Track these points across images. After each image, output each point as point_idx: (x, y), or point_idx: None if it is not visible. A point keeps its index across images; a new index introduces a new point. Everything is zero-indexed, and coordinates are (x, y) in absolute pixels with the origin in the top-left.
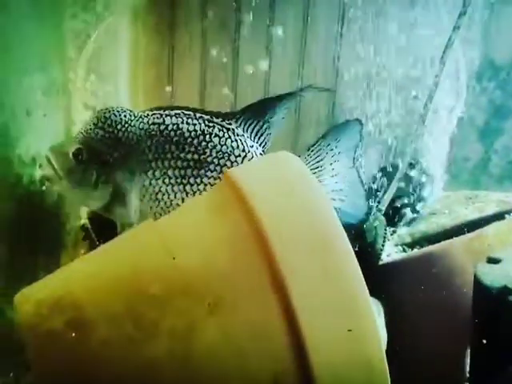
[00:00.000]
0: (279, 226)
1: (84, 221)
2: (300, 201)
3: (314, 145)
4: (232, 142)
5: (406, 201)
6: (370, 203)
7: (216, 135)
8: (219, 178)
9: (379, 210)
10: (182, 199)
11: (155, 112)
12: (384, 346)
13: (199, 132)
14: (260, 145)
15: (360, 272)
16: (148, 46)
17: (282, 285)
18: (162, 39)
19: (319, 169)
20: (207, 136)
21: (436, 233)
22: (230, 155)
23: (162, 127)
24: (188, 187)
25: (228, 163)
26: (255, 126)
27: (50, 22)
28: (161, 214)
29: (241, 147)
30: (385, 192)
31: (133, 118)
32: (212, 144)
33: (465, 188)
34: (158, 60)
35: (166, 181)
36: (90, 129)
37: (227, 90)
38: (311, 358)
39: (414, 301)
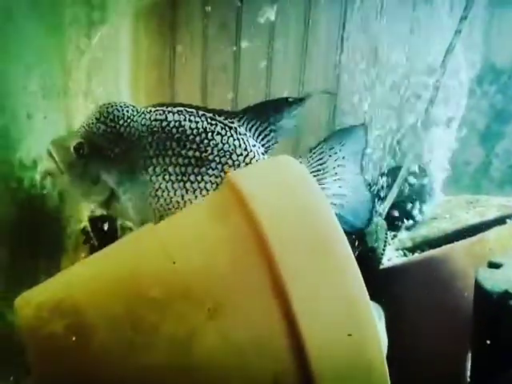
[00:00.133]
0: (279, 230)
1: (85, 224)
2: (300, 204)
3: (316, 147)
4: (234, 140)
5: (406, 205)
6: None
7: (218, 133)
8: (220, 176)
9: (380, 215)
10: (182, 196)
11: (158, 108)
12: (384, 350)
13: (201, 130)
14: (263, 145)
15: (360, 276)
16: (150, 48)
17: (282, 289)
18: (164, 41)
19: (321, 172)
20: (209, 134)
21: (437, 237)
22: (231, 154)
23: (164, 124)
24: (188, 184)
25: (230, 162)
26: (258, 126)
27: (51, 24)
28: (160, 211)
29: (243, 146)
30: (386, 196)
31: (135, 113)
32: (214, 142)
33: (466, 192)
34: (159, 61)
35: (167, 177)
36: (92, 123)
37: (228, 93)
38: (311, 362)
39: (415, 305)
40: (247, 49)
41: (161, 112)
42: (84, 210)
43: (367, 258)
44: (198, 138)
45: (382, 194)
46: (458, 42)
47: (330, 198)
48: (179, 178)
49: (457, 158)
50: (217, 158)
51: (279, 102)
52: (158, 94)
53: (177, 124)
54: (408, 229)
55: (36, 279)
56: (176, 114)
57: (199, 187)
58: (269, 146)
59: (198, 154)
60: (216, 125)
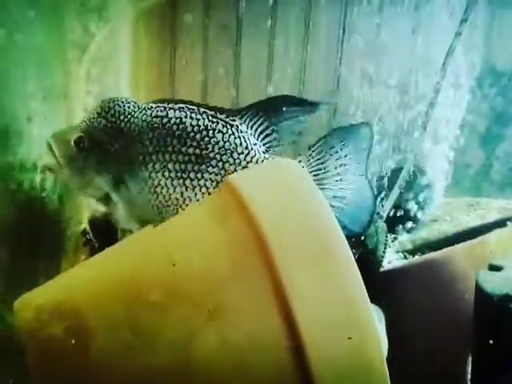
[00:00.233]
0: (280, 233)
1: (84, 226)
2: (301, 207)
3: (315, 145)
4: (235, 138)
5: (407, 207)
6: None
7: (219, 131)
8: (220, 174)
9: (380, 217)
10: (182, 193)
11: (159, 105)
12: (385, 352)
13: (202, 127)
14: (264, 144)
15: (361, 279)
16: (150, 48)
17: (282, 292)
18: (164, 41)
19: (322, 171)
20: (210, 131)
21: (437, 240)
22: (232, 152)
23: (165, 120)
24: (188, 182)
25: (231, 160)
26: (260, 125)
27: (51, 25)
28: (159, 207)
29: (244, 144)
30: (386, 199)
31: (136, 109)
32: (215, 140)
33: (466, 195)
34: (159, 61)
35: (166, 174)
36: (93, 117)
37: (229, 93)
38: (311, 365)
39: (416, 307)
40: (247, 49)
41: (162, 108)
42: (84, 212)
43: (367, 261)
44: (198, 136)
45: (382, 196)
46: (459, 44)
47: (330, 200)
48: (179, 174)
49: (457, 160)
50: (217, 156)
51: (281, 99)
52: (159, 94)
53: (178, 121)
54: (408, 231)
55: (36, 281)
56: (177, 111)
57: (199, 185)
58: (270, 146)
59: (198, 151)
60: (217, 123)
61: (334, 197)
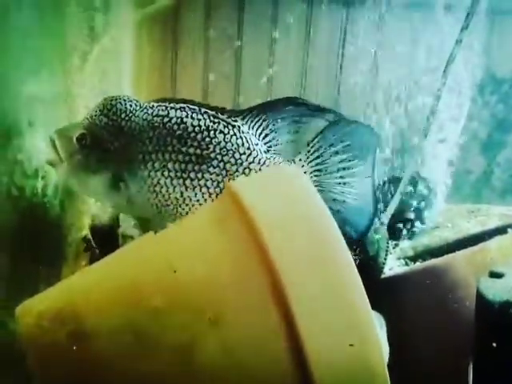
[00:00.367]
0: (280, 240)
1: (86, 232)
2: (301, 214)
3: (314, 140)
4: (237, 139)
5: (408, 214)
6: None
7: (221, 131)
8: (222, 174)
9: (381, 224)
10: (181, 193)
11: (160, 104)
12: (386, 359)
13: (203, 127)
14: (265, 144)
15: (362, 286)
16: (152, 53)
17: (283, 299)
18: (166, 46)
19: (323, 172)
20: (211, 132)
21: (438, 246)
22: (234, 152)
23: (166, 120)
24: (188, 182)
25: (232, 160)
26: (261, 125)
27: (54, 31)
28: (158, 207)
29: (246, 145)
30: (387, 205)
31: (138, 108)
32: (216, 140)
33: (467, 201)
34: (161, 66)
35: (165, 173)
36: (95, 115)
37: (230, 97)
38: (313, 373)
39: (417, 314)
40: (248, 54)
41: (163, 108)
42: (85, 218)
43: (368, 267)
44: (199, 136)
45: (383, 203)
46: (459, 51)
47: (330, 202)
48: (178, 174)
49: (458, 167)
50: (219, 156)
51: (283, 101)
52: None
53: (178, 120)
54: (409, 238)
55: (37, 287)
56: (178, 111)
57: (199, 185)
58: (271, 146)
59: (199, 151)
60: (219, 123)
61: (334, 200)
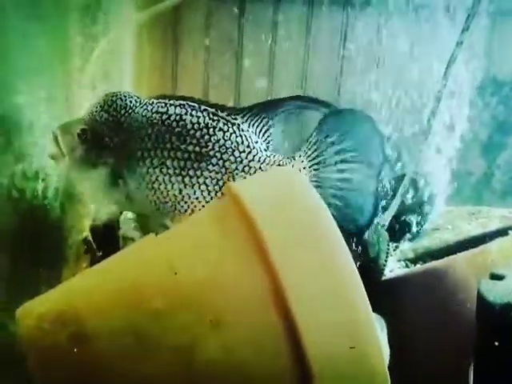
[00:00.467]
0: (281, 242)
1: (86, 234)
2: (302, 217)
3: (312, 134)
4: (237, 137)
5: (408, 216)
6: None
7: (220, 129)
8: (221, 172)
9: (382, 226)
10: (180, 190)
11: (160, 101)
12: (386, 361)
13: (202, 125)
14: (264, 141)
15: (362, 285)
16: (152, 54)
17: (284, 301)
18: (166, 47)
19: (322, 165)
20: (211, 129)
21: (439, 248)
22: (234, 150)
23: (165, 117)
24: (187, 179)
25: (232, 158)
26: (261, 123)
27: (55, 33)
28: (156, 203)
29: (245, 143)
30: (388, 207)
31: (138, 104)
32: (215, 138)
33: (467, 203)
34: (162, 67)
35: (164, 171)
36: (96, 111)
37: (230, 99)
38: (314, 374)
39: (417, 316)
40: (249, 55)
41: (163, 105)
42: (86, 220)
43: (369, 270)
44: (198, 133)
45: (383, 205)
46: (460, 53)
47: (328, 198)
48: (177, 171)
49: (459, 168)
50: (218, 154)
51: (283, 100)
52: None
53: (177, 118)
54: (410, 240)
55: (37, 289)
56: (178, 108)
57: (198, 182)
58: (269, 142)
59: (197, 148)
60: (218, 120)
61: (334, 196)
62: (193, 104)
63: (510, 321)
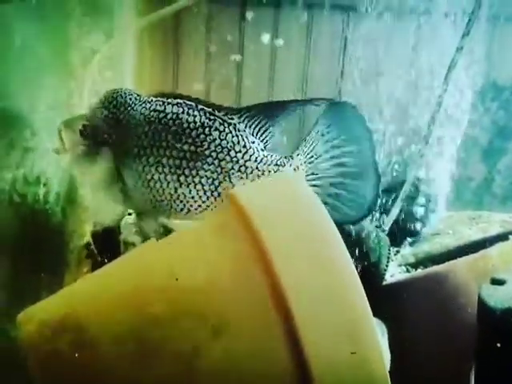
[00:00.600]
0: (282, 247)
1: (87, 239)
2: (303, 222)
3: (309, 133)
4: (233, 137)
5: (409, 220)
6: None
7: (216, 129)
8: (217, 172)
9: (383, 231)
10: (175, 189)
11: (158, 99)
12: (387, 366)
13: (198, 124)
14: (261, 141)
15: (363, 292)
16: (153, 57)
17: (285, 306)
18: (167, 51)
19: (314, 157)
20: (206, 129)
21: (440, 253)
22: (229, 150)
23: (162, 115)
24: (182, 178)
25: (227, 158)
26: (258, 124)
27: (57, 38)
28: (152, 202)
29: (242, 143)
30: (388, 212)
31: (137, 102)
32: (211, 137)
33: (468, 208)
34: (162, 70)
35: (160, 169)
36: (97, 107)
37: (231, 104)
38: (315, 380)
39: (418, 321)
40: (250, 60)
41: (160, 103)
42: (87, 225)
43: (370, 274)
44: (194, 132)
45: (384, 211)
46: (460, 58)
47: (327, 188)
48: (173, 170)
49: (459, 173)
50: (214, 154)
51: (283, 103)
52: None
53: (174, 116)
54: (411, 244)
55: (39, 294)
56: (175, 106)
57: (194, 181)
58: (267, 142)
59: (193, 148)
60: (214, 120)
61: (331, 184)
62: (190, 103)
63: (511, 325)
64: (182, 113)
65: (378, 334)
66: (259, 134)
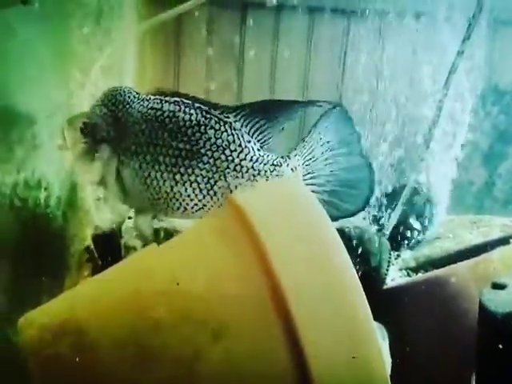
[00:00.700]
0: (283, 252)
1: (88, 243)
2: (301, 222)
3: (308, 135)
4: (228, 135)
5: (410, 225)
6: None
7: (212, 127)
8: (212, 170)
9: (383, 235)
10: (172, 187)
11: (156, 97)
12: (388, 371)
13: (194, 122)
14: (258, 141)
15: (364, 296)
16: (154, 60)
17: (284, 307)
18: (168, 53)
19: (312, 159)
20: (202, 127)
21: (440, 257)
22: (225, 149)
23: (159, 113)
24: (178, 176)
25: (223, 156)
26: (255, 123)
27: (57, 44)
28: (149, 199)
29: (237, 142)
30: (389, 216)
31: (135, 100)
32: (207, 136)
33: (469, 212)
34: (164, 72)
35: (156, 167)
36: (97, 105)
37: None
38: (314, 379)
39: (419, 325)
40: (251, 63)
41: (158, 101)
42: (88, 229)
43: (371, 278)
44: (190, 131)
45: (384, 215)
46: (461, 62)
47: (324, 185)
48: (169, 168)
49: (460, 178)
50: (209, 153)
51: (280, 102)
52: None
53: (170, 114)
54: (411, 248)
55: (40, 298)
56: (172, 105)
57: (189, 180)
58: (264, 142)
59: (189, 146)
60: (210, 119)
61: (328, 181)
62: (187, 101)
63: None
64: (179, 111)
65: (379, 338)
66: (256, 133)
